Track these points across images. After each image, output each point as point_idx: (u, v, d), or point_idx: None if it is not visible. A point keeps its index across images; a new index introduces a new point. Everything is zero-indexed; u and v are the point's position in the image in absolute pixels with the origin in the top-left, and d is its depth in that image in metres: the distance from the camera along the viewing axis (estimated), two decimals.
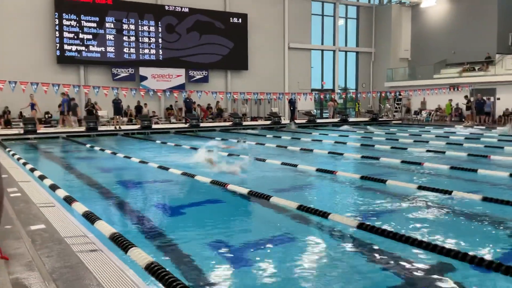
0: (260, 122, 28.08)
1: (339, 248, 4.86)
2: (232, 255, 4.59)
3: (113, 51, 26.94)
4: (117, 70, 27.11)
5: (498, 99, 26.01)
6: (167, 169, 10.11)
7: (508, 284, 3.65)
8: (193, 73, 29.72)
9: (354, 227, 5.17)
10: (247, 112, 29.85)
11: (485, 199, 6.75)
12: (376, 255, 4.57)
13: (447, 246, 4.45)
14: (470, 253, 4.19)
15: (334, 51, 36.01)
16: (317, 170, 9.83)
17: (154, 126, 23.38)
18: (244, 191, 7.39)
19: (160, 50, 28.52)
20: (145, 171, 10.59)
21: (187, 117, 25.17)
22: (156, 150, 15.77)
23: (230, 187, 7.76)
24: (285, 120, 29.06)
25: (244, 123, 26.13)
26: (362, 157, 12.44)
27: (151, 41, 28.13)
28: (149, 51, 28.21)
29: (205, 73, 30.08)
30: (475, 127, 24.08)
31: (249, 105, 30.59)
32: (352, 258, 4.55)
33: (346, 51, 37.01)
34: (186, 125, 24.31)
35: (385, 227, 5.03)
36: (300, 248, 4.83)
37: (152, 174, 10.11)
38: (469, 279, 3.87)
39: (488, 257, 4.20)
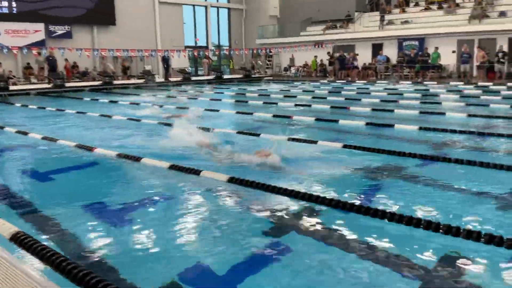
0: (132, 81, 26.96)
1: (213, 201, 5.05)
2: (107, 219, 4.51)
3: None
4: None
5: (357, 54, 28.28)
6: (26, 134, 9.33)
7: (367, 222, 4.14)
8: (54, 28, 27.19)
9: (225, 181, 5.41)
10: (116, 71, 28.38)
11: (345, 146, 7.50)
12: (248, 205, 4.84)
13: (312, 192, 4.89)
14: (330, 196, 4.69)
15: (205, 6, 35.59)
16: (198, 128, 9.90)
17: (12, 87, 21.21)
18: (113, 153, 7.13)
19: (14, 2, 25.46)
20: (2, 138, 9.64)
21: (50, 76, 23.18)
22: (16, 113, 14.39)
23: (98, 150, 7.40)
24: (159, 78, 28.32)
25: (116, 82, 24.88)
26: (237, 113, 12.80)
27: None
28: (0, 3, 25.02)
29: (68, 28, 27.73)
30: (337, 81, 26.02)
31: (120, 63, 29.09)
32: (226, 210, 4.77)
33: (218, 7, 36.81)
34: (50, 86, 22.42)
35: (254, 179, 5.31)
36: (177, 206, 4.92)
37: (11, 141, 9.25)
38: (333, 220, 4.33)
39: (349, 200, 4.71)
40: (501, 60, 22.17)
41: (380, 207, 4.37)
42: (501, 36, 23.85)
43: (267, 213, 4.52)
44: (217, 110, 13.30)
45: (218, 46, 37.27)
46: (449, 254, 3.52)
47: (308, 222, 4.29)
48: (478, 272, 3.30)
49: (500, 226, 4.02)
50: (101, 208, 4.85)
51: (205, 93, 20.04)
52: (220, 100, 17.06)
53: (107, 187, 5.85)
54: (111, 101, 16.55)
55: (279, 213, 4.51)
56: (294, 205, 4.67)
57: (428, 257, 3.50)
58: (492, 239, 3.47)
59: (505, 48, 22.79)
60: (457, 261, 3.42)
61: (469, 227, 3.83)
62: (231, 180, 5.35)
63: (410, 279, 3.18)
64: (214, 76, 29.40)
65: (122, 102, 16.11)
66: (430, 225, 3.78)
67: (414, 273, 3.25)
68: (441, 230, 3.71)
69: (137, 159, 6.66)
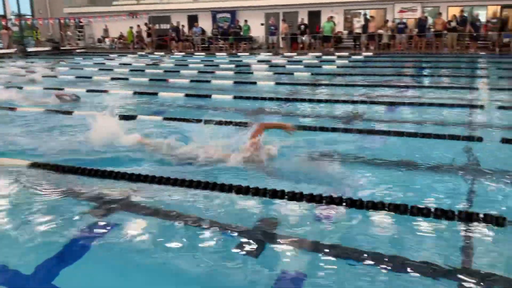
0: None
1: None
2: None
3: None
4: None
5: (173, 26, 28.14)
6: None
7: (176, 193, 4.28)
8: None
9: (25, 166, 5.04)
10: None
11: (165, 119, 7.54)
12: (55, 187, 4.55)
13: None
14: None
15: None
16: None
17: None
18: None
19: None
20: None
21: None
22: None
23: None
24: None
25: None
26: (45, 88, 11.70)
27: None
28: None
29: None
30: (155, 53, 25.62)
31: None
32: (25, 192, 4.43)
33: None
34: None
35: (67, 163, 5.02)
36: None
37: None
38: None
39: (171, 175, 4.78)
40: (303, 31, 24.56)
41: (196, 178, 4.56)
42: (302, 9, 26.36)
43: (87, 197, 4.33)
44: (21, 88, 11.94)
45: (19, 15, 33.05)
46: None
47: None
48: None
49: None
50: None
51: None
52: (24, 76, 15.32)
53: None
54: None
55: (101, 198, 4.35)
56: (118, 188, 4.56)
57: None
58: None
59: (306, 21, 25.26)
60: None
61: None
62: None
63: None
64: (16, 49, 26.12)
65: None
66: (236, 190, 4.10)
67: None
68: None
69: None
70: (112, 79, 13.83)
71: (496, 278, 2.83)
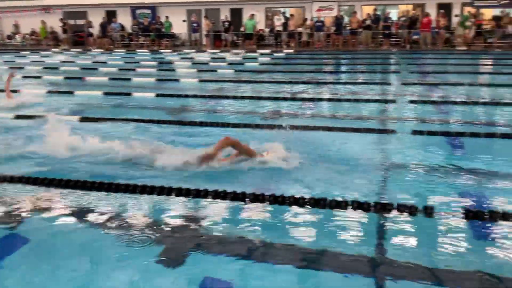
0: None
1: None
2: None
3: None
4: None
5: (90, 22, 26.94)
6: None
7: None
8: None
9: None
10: None
11: (83, 119, 7.23)
12: None
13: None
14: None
15: None
16: None
17: None
18: None
19: None
20: None
21: None
22: None
23: None
24: None
25: None
26: None
27: None
28: None
29: None
30: (71, 50, 24.39)
31: None
32: None
33: None
34: None
35: None
36: None
37: None
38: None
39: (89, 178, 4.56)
40: (226, 28, 24.57)
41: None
42: (224, 6, 26.36)
43: None
44: None
45: None
46: None
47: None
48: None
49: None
50: None
51: None
52: None
53: None
54: None
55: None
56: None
57: None
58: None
59: (228, 18, 25.28)
60: None
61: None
62: None
63: None
64: None
65: None
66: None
67: None
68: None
69: None
70: (24, 77, 12.95)
71: (410, 265, 3.00)
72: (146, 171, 4.75)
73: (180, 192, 4.07)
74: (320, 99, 9.26)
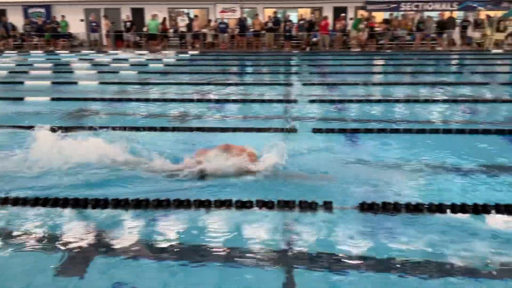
0: None
1: None
2: None
3: None
4: None
5: None
6: None
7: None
8: None
9: None
10: None
11: None
12: None
13: None
14: None
15: None
16: None
17: None
18: None
19: None
20: None
21: None
22: None
23: None
24: None
25: None
26: None
27: None
28: None
29: None
30: None
31: None
32: None
33: None
34: None
35: None
36: None
37: None
38: None
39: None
40: (128, 28, 23.77)
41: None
42: (124, 5, 25.49)
43: None
44: None
45: None
46: None
47: None
48: None
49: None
50: None
51: None
52: None
53: None
54: None
55: None
56: None
57: None
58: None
59: (131, 18, 24.46)
60: None
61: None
62: None
63: None
64: None
65: None
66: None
67: None
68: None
69: None
70: None
71: (322, 257, 3.15)
72: None
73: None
74: (226, 100, 9.33)
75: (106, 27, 23.99)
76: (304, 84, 11.28)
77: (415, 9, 24.35)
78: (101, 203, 3.89)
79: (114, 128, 6.36)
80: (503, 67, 15.52)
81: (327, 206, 3.87)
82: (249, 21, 23.86)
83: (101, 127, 6.33)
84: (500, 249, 3.23)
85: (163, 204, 3.89)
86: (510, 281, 2.88)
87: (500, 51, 19.86)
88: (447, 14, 22.52)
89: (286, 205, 3.89)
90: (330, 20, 22.88)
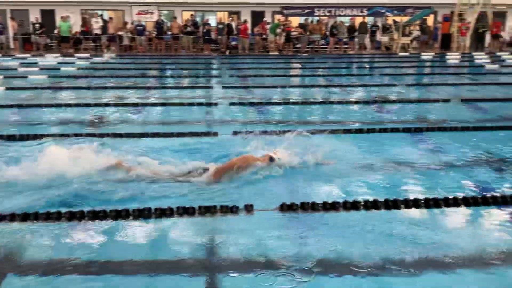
0: None
1: None
2: None
3: None
4: None
5: None
6: None
7: None
8: None
9: None
10: None
11: None
12: None
13: None
14: None
15: None
16: None
17: None
18: None
19: None
20: None
21: None
22: None
23: None
24: None
25: None
26: None
27: None
28: None
29: None
30: None
31: None
32: None
33: None
34: None
35: None
36: None
37: None
38: None
39: None
40: (37, 31, 22.42)
41: None
42: (33, 7, 24.01)
43: None
44: None
45: None
46: None
47: None
48: None
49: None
50: None
51: None
52: None
53: None
54: None
55: None
56: None
57: None
58: None
59: (39, 20, 23.08)
60: None
61: None
62: None
63: None
64: None
65: None
66: None
67: None
68: None
69: None
70: None
71: (246, 261, 3.18)
72: None
73: None
74: (145, 104, 9.12)
75: (13, 29, 22.46)
76: (224, 87, 11.33)
77: (328, 14, 25.45)
78: None
79: (22, 138, 5.98)
80: (409, 69, 16.62)
81: (248, 209, 3.92)
82: (168, 24, 23.50)
83: (8, 137, 5.93)
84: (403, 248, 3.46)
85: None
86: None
87: (406, 54, 21.30)
88: (359, 19, 23.77)
89: (207, 210, 3.89)
90: (249, 25, 23.16)
